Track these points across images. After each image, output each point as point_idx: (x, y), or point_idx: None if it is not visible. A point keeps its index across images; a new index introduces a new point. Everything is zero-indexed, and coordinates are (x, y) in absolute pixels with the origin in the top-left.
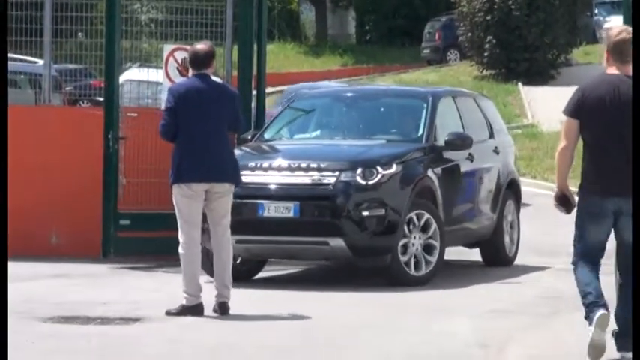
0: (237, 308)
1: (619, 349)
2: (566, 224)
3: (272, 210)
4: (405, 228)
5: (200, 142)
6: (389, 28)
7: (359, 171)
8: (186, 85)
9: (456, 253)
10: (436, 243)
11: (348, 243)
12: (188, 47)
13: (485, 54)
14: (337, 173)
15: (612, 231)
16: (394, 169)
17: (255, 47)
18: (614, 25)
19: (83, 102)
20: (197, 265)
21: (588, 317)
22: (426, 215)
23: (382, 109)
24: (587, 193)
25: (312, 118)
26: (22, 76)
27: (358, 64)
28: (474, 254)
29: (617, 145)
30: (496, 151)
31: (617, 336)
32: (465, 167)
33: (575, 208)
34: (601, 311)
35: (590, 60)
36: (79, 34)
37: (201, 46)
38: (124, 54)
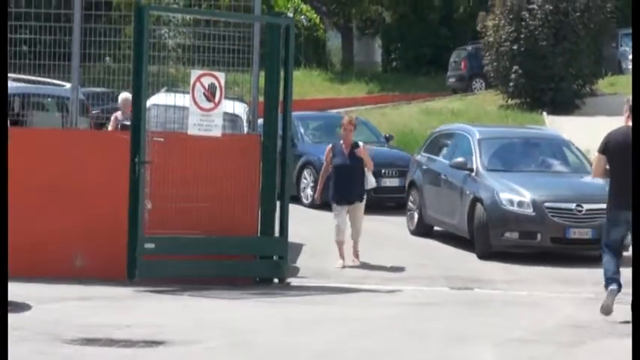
0: (255, 332)
1: None
2: (590, 258)
3: None
4: None
5: None
6: (415, 57)
7: None
8: None
9: (474, 279)
10: None
11: None
12: (215, 73)
13: (511, 83)
14: None
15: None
16: None
17: (281, 74)
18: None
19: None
20: None
21: (606, 287)
22: None
23: None
24: (609, 207)
25: None
26: (49, 100)
27: (384, 92)
28: (495, 281)
29: (625, 174)
30: None
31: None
32: None
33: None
34: (613, 286)
35: (616, 90)
36: (107, 58)
37: None
38: (151, 79)
